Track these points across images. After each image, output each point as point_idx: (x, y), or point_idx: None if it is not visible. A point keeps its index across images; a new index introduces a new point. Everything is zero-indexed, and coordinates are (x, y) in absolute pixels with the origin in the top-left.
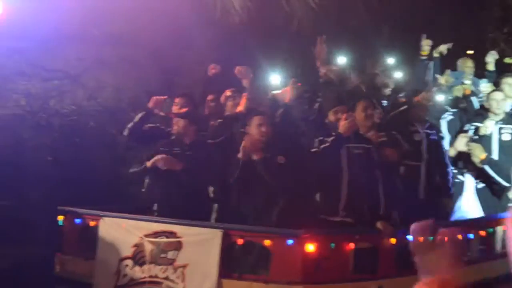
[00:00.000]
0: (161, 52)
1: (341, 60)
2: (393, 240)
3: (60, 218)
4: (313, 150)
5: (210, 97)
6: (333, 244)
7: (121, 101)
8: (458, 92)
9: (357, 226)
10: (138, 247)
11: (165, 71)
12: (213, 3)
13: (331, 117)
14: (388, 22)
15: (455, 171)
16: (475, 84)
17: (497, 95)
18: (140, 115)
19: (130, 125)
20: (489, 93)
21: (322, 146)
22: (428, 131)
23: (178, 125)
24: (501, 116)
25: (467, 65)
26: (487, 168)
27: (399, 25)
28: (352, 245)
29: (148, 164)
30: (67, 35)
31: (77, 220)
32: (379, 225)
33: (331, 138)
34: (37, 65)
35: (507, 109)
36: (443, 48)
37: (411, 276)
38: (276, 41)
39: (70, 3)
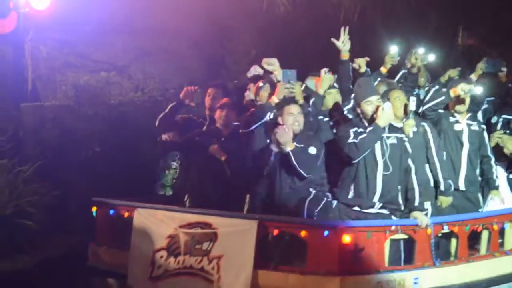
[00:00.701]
0: (205, 43)
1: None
2: (429, 231)
3: (94, 209)
4: (350, 141)
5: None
6: (369, 235)
7: (167, 92)
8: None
9: (392, 217)
10: (173, 238)
11: (210, 62)
12: None
13: (365, 107)
14: (434, 12)
15: None
16: None
17: None
18: (171, 105)
19: (161, 115)
20: None
21: (360, 137)
22: (470, 121)
23: (227, 116)
24: None
25: None
26: None
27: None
28: (388, 236)
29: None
30: (114, 27)
31: (111, 211)
32: (414, 215)
33: (369, 128)
34: (84, 57)
35: None
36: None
37: (446, 267)
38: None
39: None
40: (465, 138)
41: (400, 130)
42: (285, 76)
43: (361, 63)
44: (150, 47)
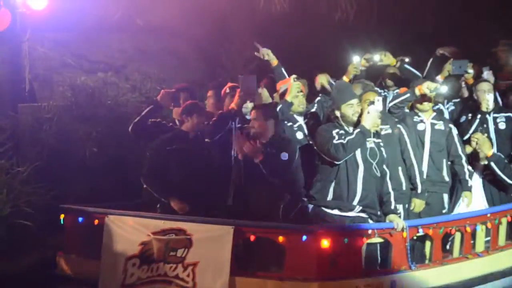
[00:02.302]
0: (203, 42)
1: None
2: (404, 234)
3: (61, 216)
4: (336, 141)
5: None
6: (346, 240)
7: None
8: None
9: (369, 221)
10: (146, 245)
11: (208, 61)
12: None
13: (346, 110)
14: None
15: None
16: None
17: (484, 85)
18: (148, 108)
19: (136, 119)
20: (475, 84)
21: (348, 138)
22: (434, 121)
23: (198, 122)
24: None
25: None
26: (492, 165)
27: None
28: (365, 240)
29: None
30: (110, 27)
31: (80, 219)
32: (390, 219)
33: (357, 130)
34: (81, 57)
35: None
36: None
37: (422, 270)
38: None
39: None
40: (427, 138)
41: (376, 134)
42: (244, 82)
43: (323, 82)
44: (147, 47)
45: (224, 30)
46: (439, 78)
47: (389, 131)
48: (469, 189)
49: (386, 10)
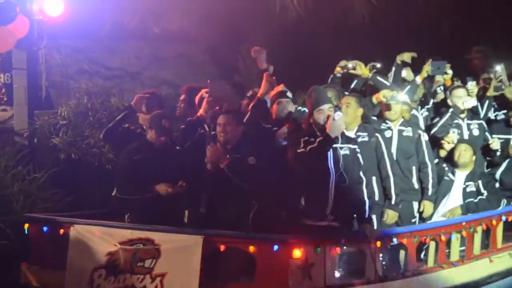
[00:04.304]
0: (219, 49)
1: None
2: (378, 243)
3: (26, 226)
4: (299, 150)
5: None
6: (319, 249)
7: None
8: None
9: (342, 230)
10: (113, 255)
11: (223, 67)
12: None
13: (316, 116)
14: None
15: (446, 168)
16: None
17: (459, 92)
18: (122, 114)
19: (110, 124)
20: (451, 90)
21: (309, 147)
22: (402, 127)
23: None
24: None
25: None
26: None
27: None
28: (338, 249)
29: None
30: (127, 34)
31: (45, 228)
32: (365, 228)
33: (319, 138)
34: (98, 64)
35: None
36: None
37: (396, 279)
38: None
39: (129, 2)
40: (393, 145)
41: (353, 140)
42: (212, 88)
43: None
44: (163, 53)
45: (240, 36)
46: (418, 79)
47: (366, 138)
48: (429, 198)
49: (401, 14)
